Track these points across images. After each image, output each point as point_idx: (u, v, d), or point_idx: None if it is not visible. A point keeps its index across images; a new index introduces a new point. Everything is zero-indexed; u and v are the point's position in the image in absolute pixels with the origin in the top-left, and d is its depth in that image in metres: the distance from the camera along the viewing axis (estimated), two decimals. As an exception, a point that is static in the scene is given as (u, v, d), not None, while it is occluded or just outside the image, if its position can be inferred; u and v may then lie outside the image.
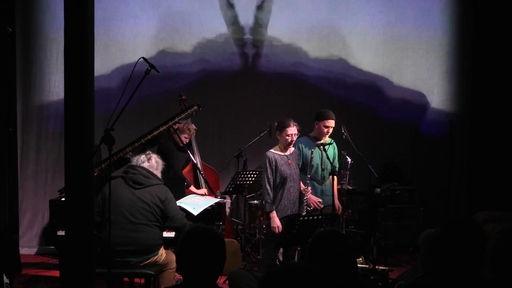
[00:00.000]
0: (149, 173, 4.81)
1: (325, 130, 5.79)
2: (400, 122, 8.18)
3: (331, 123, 5.79)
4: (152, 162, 4.91)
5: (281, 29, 7.94)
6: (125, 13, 7.63)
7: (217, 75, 7.88)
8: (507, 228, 2.64)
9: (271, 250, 5.58)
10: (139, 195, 4.68)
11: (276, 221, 5.49)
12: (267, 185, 5.54)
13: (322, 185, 5.88)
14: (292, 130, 5.56)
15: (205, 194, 6.28)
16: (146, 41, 7.65)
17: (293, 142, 5.63)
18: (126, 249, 4.53)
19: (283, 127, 5.58)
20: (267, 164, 5.56)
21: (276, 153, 5.62)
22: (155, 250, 4.66)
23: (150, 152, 5.05)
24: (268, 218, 5.55)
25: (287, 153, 5.66)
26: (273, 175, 5.57)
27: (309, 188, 5.69)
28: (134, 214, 4.62)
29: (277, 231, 5.46)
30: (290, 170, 5.62)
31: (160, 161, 4.99)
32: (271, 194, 5.54)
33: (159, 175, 4.94)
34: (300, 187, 5.71)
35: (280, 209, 5.57)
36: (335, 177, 5.87)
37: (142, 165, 4.86)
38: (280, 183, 5.57)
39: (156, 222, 4.69)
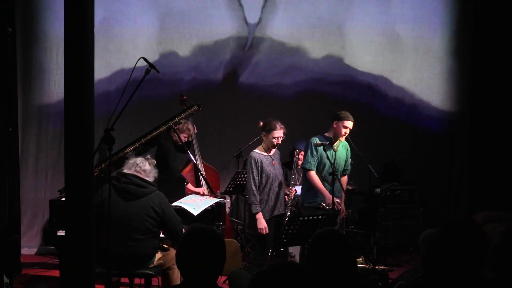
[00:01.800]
0: (141, 181, 4.58)
1: (343, 130, 5.75)
2: (400, 122, 8.17)
3: (350, 124, 5.74)
4: (146, 167, 4.68)
5: (281, 29, 7.93)
6: (125, 13, 7.63)
7: (217, 75, 7.88)
8: (510, 229, 2.64)
9: (260, 251, 5.60)
10: (132, 208, 4.49)
11: (262, 223, 5.50)
12: (253, 186, 5.53)
13: (333, 186, 5.77)
14: (279, 133, 5.58)
15: (203, 193, 6.30)
16: (146, 43, 7.64)
17: (278, 144, 5.64)
18: (119, 263, 4.41)
19: (270, 129, 5.59)
20: (253, 165, 5.56)
21: (261, 154, 5.64)
22: (150, 259, 4.60)
23: (147, 156, 4.87)
24: (255, 219, 5.54)
25: (271, 153, 5.68)
26: (258, 176, 5.57)
27: (294, 188, 5.68)
28: (127, 228, 4.45)
29: (264, 233, 5.49)
30: (275, 170, 5.65)
31: (153, 166, 4.75)
32: (257, 196, 5.54)
33: (152, 179, 4.72)
34: (284, 188, 5.72)
35: (267, 210, 5.59)
36: (343, 178, 5.92)
37: (135, 173, 4.62)
38: (266, 183, 5.58)
39: (149, 234, 4.53)
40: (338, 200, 5.66)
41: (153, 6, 7.72)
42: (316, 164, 5.75)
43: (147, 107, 7.53)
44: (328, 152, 5.68)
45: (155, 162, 4.86)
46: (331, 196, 5.63)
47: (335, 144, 5.78)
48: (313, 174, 5.73)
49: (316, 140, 5.76)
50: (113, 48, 7.53)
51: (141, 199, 4.53)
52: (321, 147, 5.65)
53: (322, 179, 5.76)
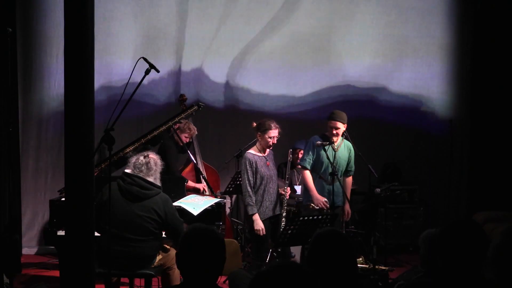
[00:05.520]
0: (145, 183, 4.50)
1: (331, 131, 5.68)
2: (400, 122, 8.17)
3: (334, 124, 5.65)
4: (150, 165, 4.56)
5: (281, 29, 7.94)
6: (125, 11, 7.64)
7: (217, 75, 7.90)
8: (510, 229, 2.63)
9: (259, 252, 5.58)
10: (135, 210, 4.45)
11: (259, 224, 5.47)
12: (248, 187, 5.49)
13: (331, 185, 5.69)
14: (274, 132, 5.54)
15: (203, 189, 6.30)
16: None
17: (274, 144, 5.61)
18: (120, 263, 4.39)
19: (265, 129, 5.53)
20: (248, 166, 5.51)
21: (256, 155, 5.59)
22: (150, 261, 4.57)
23: (149, 153, 4.69)
24: (251, 221, 5.51)
25: (265, 154, 5.66)
26: (253, 177, 5.53)
27: (288, 188, 5.66)
28: (129, 229, 4.42)
29: (261, 234, 5.46)
30: (269, 171, 5.61)
31: (159, 162, 4.66)
32: (253, 197, 5.50)
33: (157, 180, 4.63)
34: (278, 188, 5.71)
35: (262, 211, 5.55)
36: (347, 178, 5.90)
37: (140, 174, 4.52)
38: (261, 185, 5.55)
39: (151, 235, 4.49)
40: (325, 199, 5.66)
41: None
42: (312, 163, 5.75)
43: (147, 107, 7.54)
44: (328, 152, 5.66)
45: (159, 157, 4.71)
46: (319, 197, 5.66)
47: (335, 144, 5.75)
48: (306, 173, 5.73)
49: (316, 139, 5.74)
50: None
51: (144, 201, 4.48)
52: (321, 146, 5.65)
53: (320, 178, 5.75)
